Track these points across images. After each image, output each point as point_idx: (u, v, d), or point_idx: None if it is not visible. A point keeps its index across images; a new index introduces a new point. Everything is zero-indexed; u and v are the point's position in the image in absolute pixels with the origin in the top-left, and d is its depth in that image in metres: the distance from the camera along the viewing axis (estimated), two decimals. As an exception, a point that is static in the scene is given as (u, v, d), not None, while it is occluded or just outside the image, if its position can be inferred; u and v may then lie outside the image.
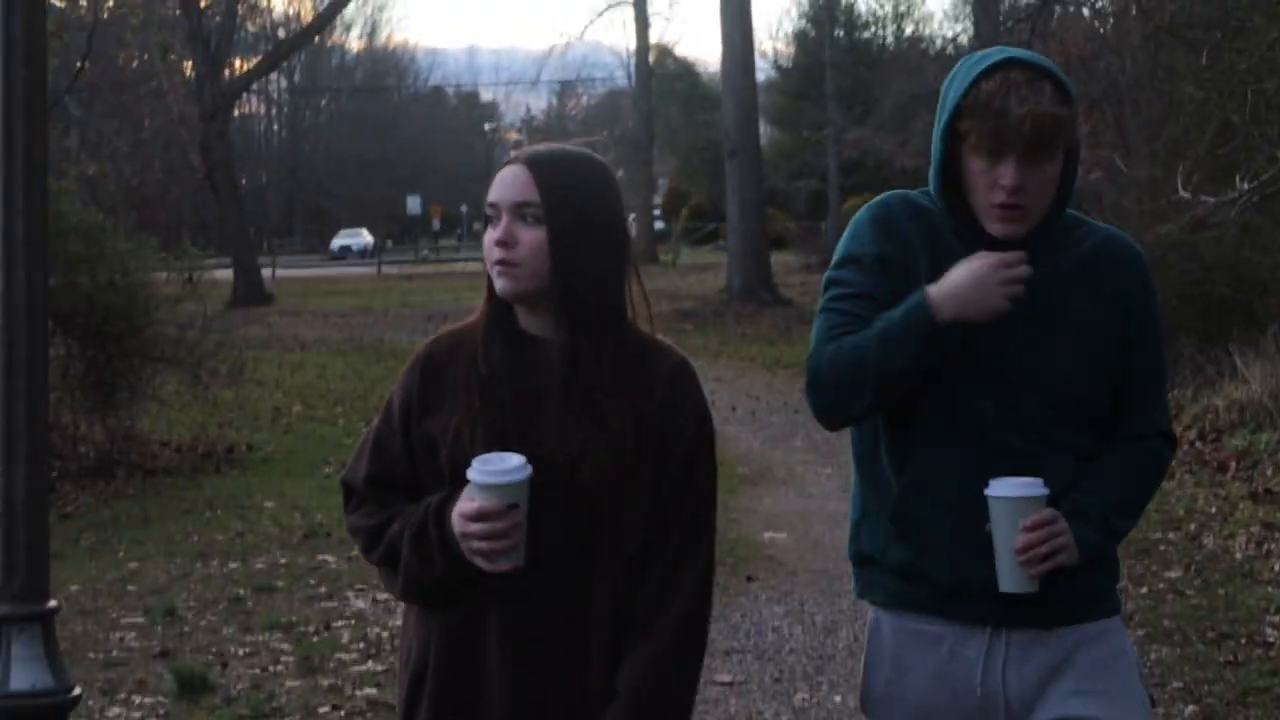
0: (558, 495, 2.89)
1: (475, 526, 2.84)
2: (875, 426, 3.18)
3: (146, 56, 32.42)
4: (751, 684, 7.16)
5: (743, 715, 6.71)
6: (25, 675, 5.12)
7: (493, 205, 3.02)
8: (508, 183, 3.00)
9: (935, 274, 3.07)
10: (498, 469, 2.83)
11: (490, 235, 3.01)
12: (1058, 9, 24.15)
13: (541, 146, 3.09)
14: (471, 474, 2.84)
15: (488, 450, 2.89)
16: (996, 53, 3.10)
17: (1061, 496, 3.06)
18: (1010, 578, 2.99)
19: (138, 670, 7.62)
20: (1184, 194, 10.48)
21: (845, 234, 3.25)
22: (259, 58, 50.47)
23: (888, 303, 3.08)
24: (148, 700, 7.11)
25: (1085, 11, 24.58)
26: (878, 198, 3.26)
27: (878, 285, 3.12)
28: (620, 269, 3.04)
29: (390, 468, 3.07)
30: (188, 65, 36.50)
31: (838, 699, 6.89)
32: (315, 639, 8.15)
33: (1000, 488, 2.99)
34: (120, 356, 14.94)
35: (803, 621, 8.24)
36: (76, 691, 5.49)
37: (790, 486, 12.67)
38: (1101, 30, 22.16)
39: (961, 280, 3.02)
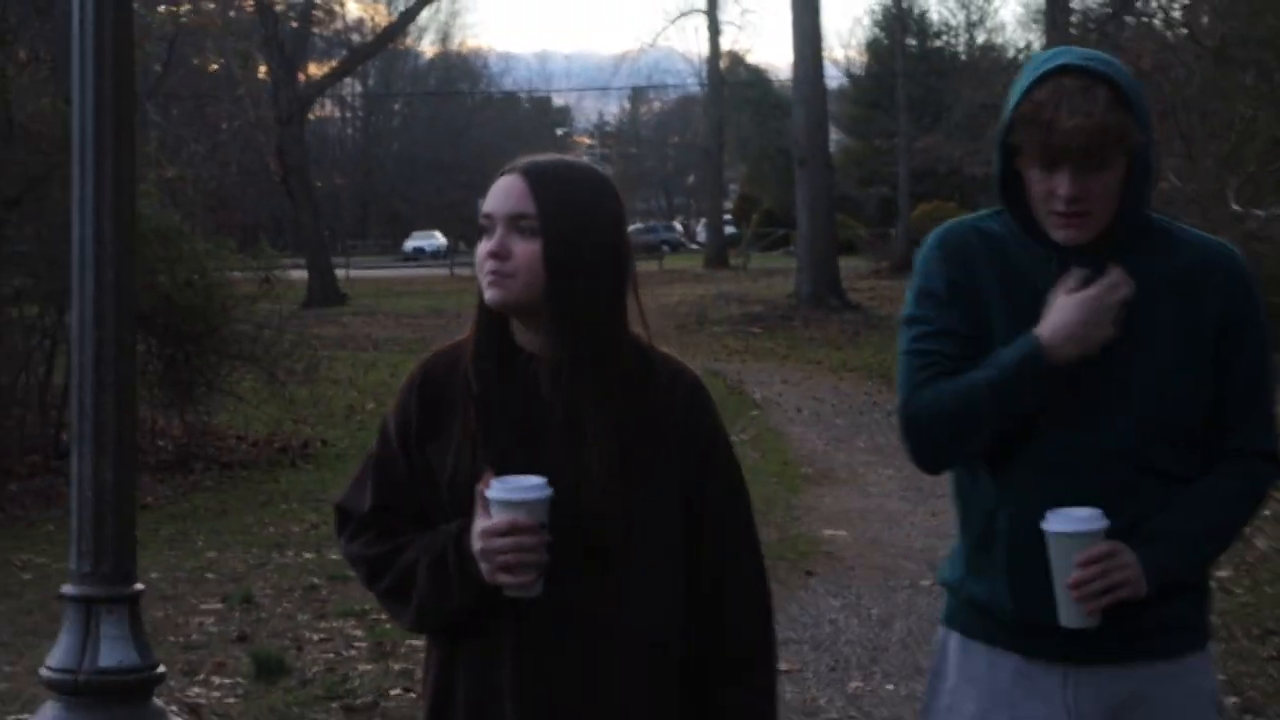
0: (564, 518, 2.78)
1: (502, 541, 2.74)
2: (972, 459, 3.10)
3: (222, 62, 32.99)
4: (807, 672, 7.40)
5: (798, 701, 6.94)
6: (113, 653, 5.43)
7: (487, 216, 2.91)
8: (503, 193, 2.90)
9: (1006, 299, 3.01)
10: (522, 485, 2.75)
11: (483, 246, 2.89)
12: (1130, 19, 24.19)
13: (541, 157, 2.98)
14: (493, 493, 2.74)
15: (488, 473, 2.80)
16: (1054, 56, 2.97)
17: (1146, 523, 2.95)
18: (1067, 613, 2.90)
19: (216, 653, 7.92)
20: (1235, 207, 10.62)
21: (915, 268, 3.17)
22: (333, 63, 51.03)
23: (969, 334, 3.02)
24: (226, 681, 7.41)
25: (1157, 22, 24.57)
26: (941, 226, 3.20)
27: (957, 318, 3.04)
28: (619, 284, 2.91)
29: (394, 495, 2.96)
30: (262, 70, 36.97)
31: (890, 687, 7.12)
32: (387, 626, 8.41)
33: (1054, 522, 2.89)
34: (198, 354, 15.31)
35: (859, 614, 8.47)
36: (161, 669, 5.79)
37: (852, 486, 12.88)
38: (1172, 39, 22.20)
39: (1072, 317, 2.92)
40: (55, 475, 13.69)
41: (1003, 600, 3.01)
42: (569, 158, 3.01)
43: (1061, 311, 2.93)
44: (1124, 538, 2.92)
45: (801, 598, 8.85)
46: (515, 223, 2.86)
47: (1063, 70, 2.91)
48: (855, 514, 11.48)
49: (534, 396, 2.87)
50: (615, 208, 2.94)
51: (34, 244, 13.38)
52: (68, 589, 5.58)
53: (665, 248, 62.05)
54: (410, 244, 70.84)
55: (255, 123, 34.25)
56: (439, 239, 70.15)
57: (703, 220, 58.93)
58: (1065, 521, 2.88)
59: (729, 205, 65.11)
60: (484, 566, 2.76)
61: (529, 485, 2.74)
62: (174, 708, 6.51)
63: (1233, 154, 13.49)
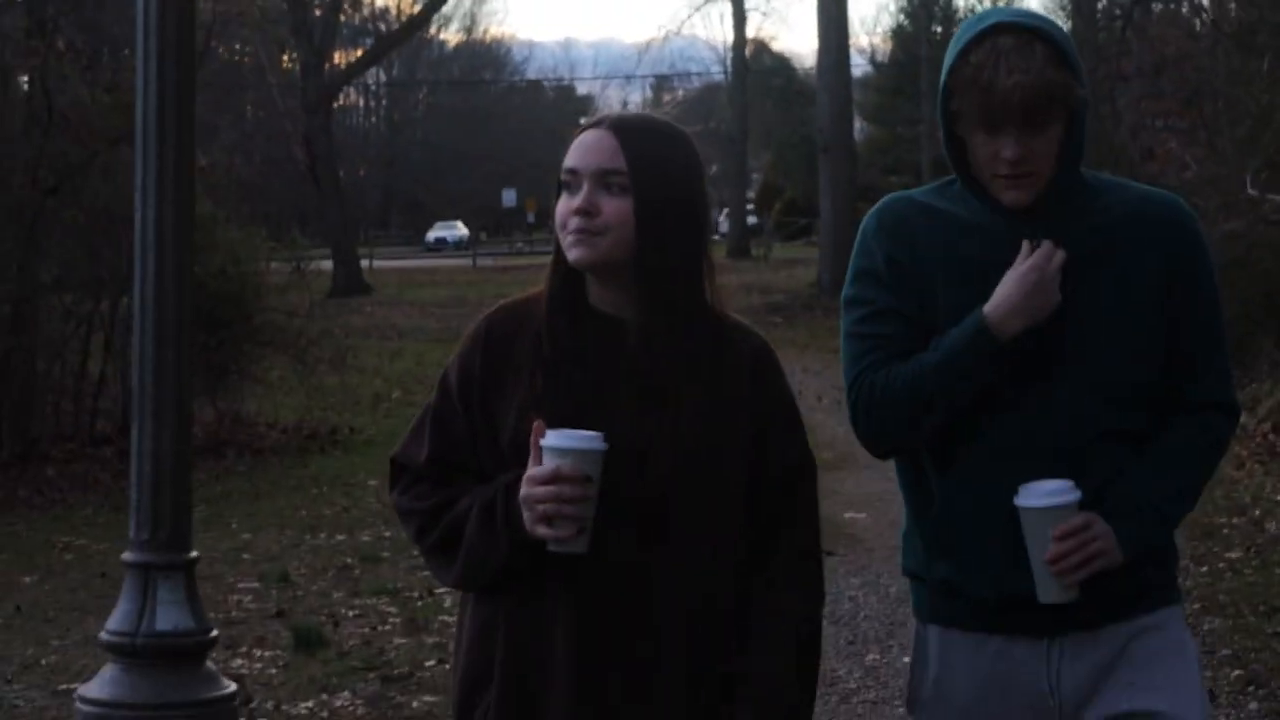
0: (626, 485, 2.70)
1: (543, 490, 2.66)
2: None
3: (251, 51, 33.24)
4: (827, 646, 7.61)
5: (821, 669, 7.20)
6: (169, 617, 5.70)
7: (571, 172, 2.80)
8: (591, 148, 2.80)
9: (948, 270, 2.96)
10: (575, 434, 2.67)
11: (567, 203, 2.79)
12: (1156, 6, 24.18)
13: (627, 113, 2.88)
14: (546, 440, 2.67)
15: None
16: (985, 16, 2.89)
17: (1110, 488, 2.91)
18: (1047, 588, 2.86)
19: (256, 628, 8.20)
20: (1251, 192, 10.84)
21: (855, 247, 3.08)
22: (358, 51, 51.26)
23: (911, 313, 2.96)
24: (267, 654, 7.69)
25: (1184, 9, 24.49)
26: (879, 203, 3.12)
27: (898, 297, 2.97)
28: (701, 244, 2.83)
29: (452, 449, 2.86)
30: (285, 59, 37.20)
31: (906, 660, 7.29)
32: (419, 603, 8.71)
33: (1028, 497, 2.84)
34: (231, 342, 15.61)
35: (877, 592, 8.74)
36: (214, 633, 6.06)
37: (872, 470, 13.09)
38: (1199, 26, 22.20)
39: (1014, 292, 2.87)
40: (90, 461, 14.01)
41: (977, 583, 2.95)
42: (651, 113, 2.95)
43: (1004, 287, 2.88)
44: (1093, 505, 2.88)
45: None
46: (604, 179, 2.77)
47: (996, 29, 2.83)
48: (875, 497, 11.74)
49: (608, 358, 2.78)
50: (698, 165, 2.87)
51: (72, 232, 13.65)
52: (127, 556, 5.84)
53: (688, 237, 62.25)
54: (433, 234, 70.87)
55: (284, 112, 34.52)
56: (461, 229, 70.28)
57: (725, 210, 59.14)
58: (1038, 496, 2.83)
59: (752, 194, 65.25)
60: (525, 516, 2.68)
61: (582, 435, 2.67)
62: (220, 677, 6.75)
63: (1251, 139, 13.68)
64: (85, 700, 5.81)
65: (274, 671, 7.39)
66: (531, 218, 74.01)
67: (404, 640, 7.90)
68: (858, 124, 45.53)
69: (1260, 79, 13.03)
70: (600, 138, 2.80)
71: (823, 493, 9.88)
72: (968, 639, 3.01)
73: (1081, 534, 2.84)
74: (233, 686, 6.02)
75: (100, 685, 5.82)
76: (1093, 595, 2.89)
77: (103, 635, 5.91)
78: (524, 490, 2.69)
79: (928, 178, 47.66)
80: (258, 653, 7.70)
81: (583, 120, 3.04)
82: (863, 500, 11.68)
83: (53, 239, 13.58)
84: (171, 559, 5.76)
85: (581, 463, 2.66)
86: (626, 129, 2.81)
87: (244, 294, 15.61)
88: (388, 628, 8.20)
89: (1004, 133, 2.84)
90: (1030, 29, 2.84)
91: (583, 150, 2.81)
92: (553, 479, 2.65)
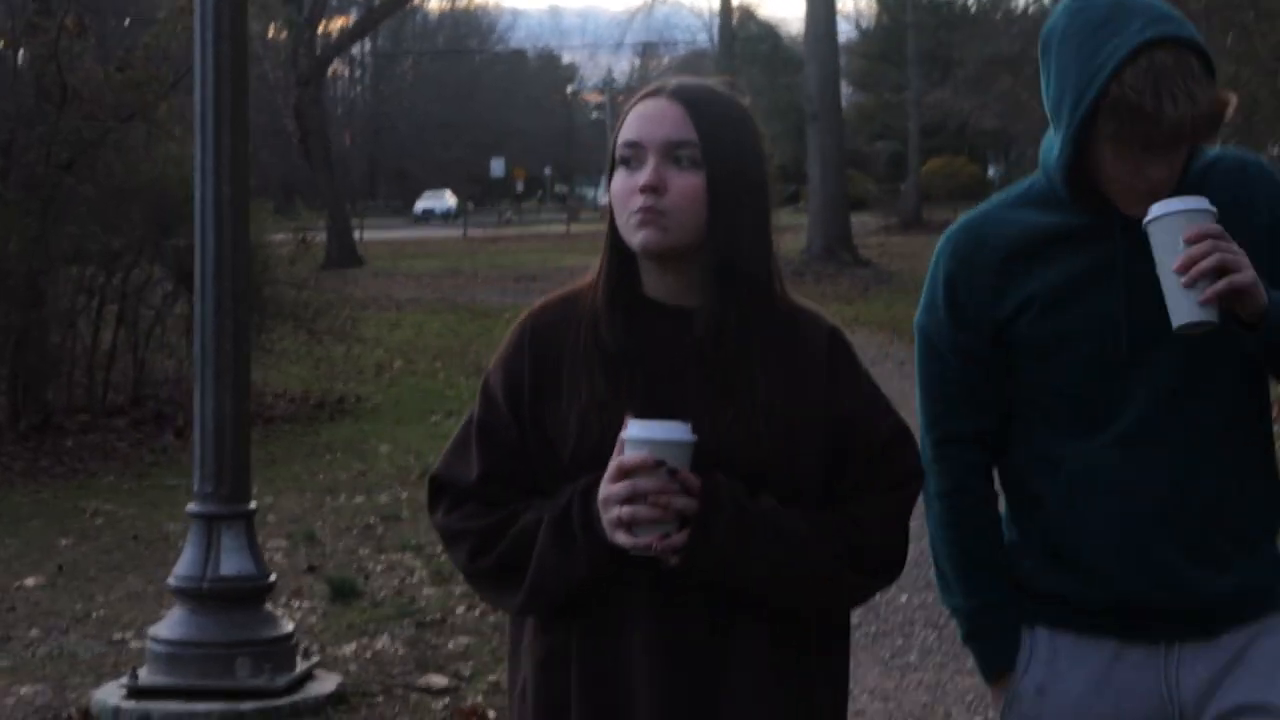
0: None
1: (619, 486, 2.40)
2: (1021, 439, 2.85)
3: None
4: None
5: (823, 612, 7.71)
6: (232, 563, 6.24)
7: (633, 145, 2.54)
8: (656, 118, 2.54)
9: (1023, 301, 2.77)
10: (663, 425, 2.42)
11: (627, 179, 2.54)
12: None
13: (688, 79, 2.62)
14: (629, 432, 2.43)
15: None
16: (1124, 26, 2.60)
17: (1251, 469, 2.81)
18: (1181, 306, 2.59)
19: (291, 582, 8.65)
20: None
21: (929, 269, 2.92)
22: (344, 20, 51.44)
23: (982, 352, 2.81)
24: (306, 604, 8.15)
25: None
26: (951, 227, 2.91)
27: (967, 340, 2.83)
28: (769, 224, 2.62)
29: (504, 463, 2.58)
30: (272, 30, 37.39)
31: (904, 598, 7.90)
32: (443, 558, 9.15)
33: (1154, 210, 2.60)
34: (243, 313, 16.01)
35: (877, 539, 9.22)
36: (272, 578, 6.60)
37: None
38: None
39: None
40: (106, 431, 14.41)
41: (1101, 593, 2.78)
42: (712, 81, 2.66)
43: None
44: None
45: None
46: (672, 152, 2.52)
47: (1151, 45, 2.57)
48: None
49: (675, 353, 2.55)
50: (763, 141, 2.63)
51: (87, 206, 14.04)
52: (192, 507, 6.37)
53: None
54: (420, 205, 70.99)
55: (274, 84, 34.81)
56: (449, 199, 70.46)
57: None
58: (1166, 205, 2.60)
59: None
60: (604, 519, 2.43)
61: (668, 425, 2.42)
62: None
63: None
64: (157, 640, 6.34)
65: (314, 619, 7.85)
66: (520, 187, 74.41)
67: (433, 590, 8.37)
68: (844, 90, 45.86)
69: (1226, 54, 13.46)
70: (664, 107, 2.55)
71: None
72: (1080, 642, 2.84)
73: (1214, 239, 2.59)
74: (290, 626, 6.55)
75: (170, 626, 6.36)
76: (1210, 604, 2.77)
77: (170, 581, 6.46)
78: (602, 490, 2.44)
79: (915, 145, 48.17)
80: (296, 603, 8.14)
81: (636, 92, 2.62)
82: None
83: (67, 213, 13.94)
84: (234, 510, 6.31)
85: (668, 456, 2.41)
86: (693, 98, 2.56)
87: (254, 266, 15.97)
88: (415, 580, 8.66)
89: (1159, 157, 2.63)
90: (1184, 41, 2.59)
91: (646, 120, 2.55)
92: (622, 474, 2.41)
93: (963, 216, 2.92)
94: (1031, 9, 42.38)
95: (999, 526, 2.90)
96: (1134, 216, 2.67)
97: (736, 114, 2.60)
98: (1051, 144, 2.73)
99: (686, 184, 2.52)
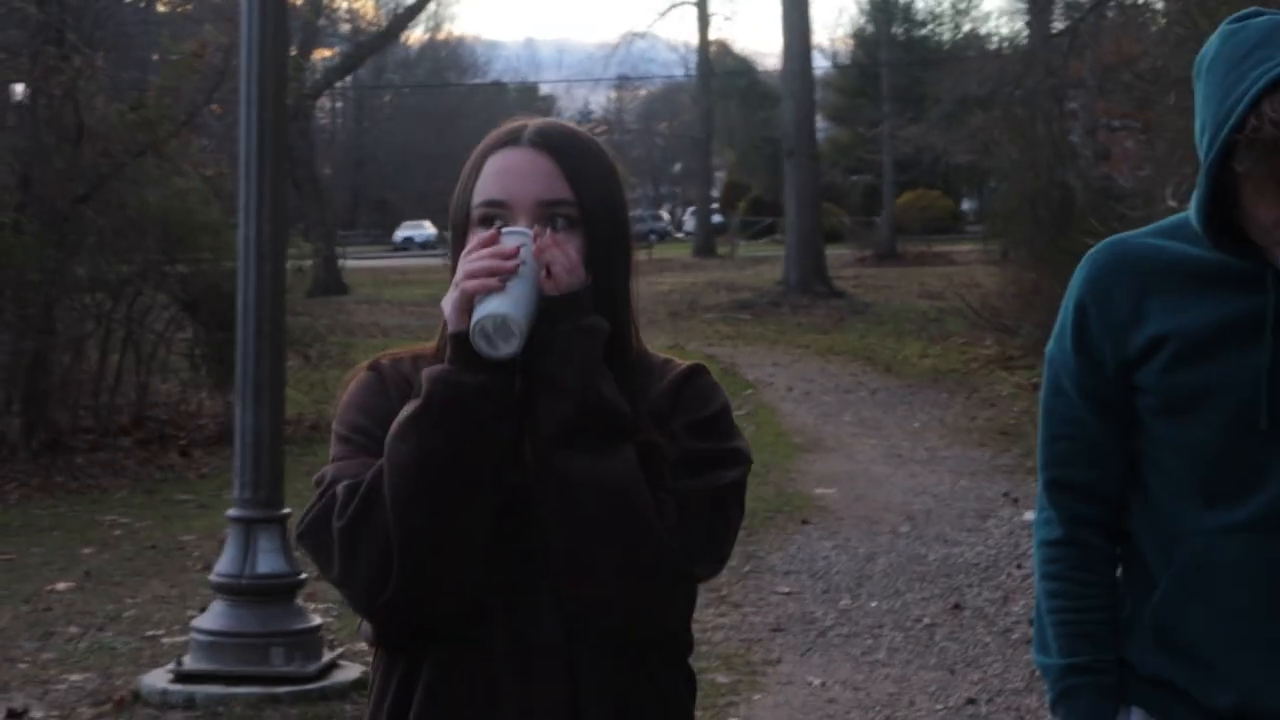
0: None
1: (477, 254, 2.17)
2: (1140, 500, 2.57)
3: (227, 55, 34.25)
4: (805, 594, 8.90)
5: (799, 613, 8.46)
6: (268, 562, 7.00)
7: (498, 205, 2.26)
8: (525, 174, 2.26)
9: (1155, 340, 2.48)
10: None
11: (484, 245, 2.19)
12: (1111, 9, 24.93)
13: (545, 124, 2.34)
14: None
15: None
16: (1275, 52, 2.32)
17: None
18: None
19: (310, 585, 9.33)
20: (1171, 204, 11.86)
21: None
22: (328, 52, 52.12)
23: (1105, 397, 2.54)
24: (321, 606, 8.85)
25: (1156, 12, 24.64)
26: (1094, 248, 2.60)
27: (1091, 377, 2.55)
28: (632, 281, 2.39)
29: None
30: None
31: (874, 604, 8.63)
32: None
33: None
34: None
35: (847, 551, 9.97)
36: (304, 575, 7.31)
37: (840, 453, 14.36)
38: (1154, 28, 22.54)
39: None
40: (114, 450, 15.11)
41: (1216, 689, 2.46)
42: (568, 123, 2.41)
43: None
44: None
45: (798, 540, 10.36)
46: (546, 212, 2.25)
47: None
48: (843, 475, 12.96)
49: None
50: (622, 180, 2.40)
51: (101, 237, 14.77)
52: (232, 512, 7.13)
53: (653, 237, 63.49)
54: (400, 234, 71.85)
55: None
56: (428, 229, 71.24)
57: (690, 209, 60.28)
58: None
59: (716, 193, 66.40)
60: (454, 297, 2.18)
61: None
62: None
63: (1169, 153, 14.55)
64: (199, 630, 7.09)
65: (330, 619, 8.55)
66: (499, 217, 74.84)
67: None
68: (820, 124, 46.68)
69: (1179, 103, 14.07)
70: (531, 159, 2.28)
71: (796, 472, 11.49)
72: None
73: None
74: (319, 620, 7.26)
75: (211, 618, 7.10)
76: None
77: (212, 577, 7.22)
78: (459, 270, 2.21)
79: (889, 178, 48.96)
80: (311, 605, 8.84)
81: (492, 137, 2.35)
82: (831, 478, 12.90)
83: (82, 245, 14.66)
84: (269, 514, 7.07)
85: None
86: (560, 145, 2.30)
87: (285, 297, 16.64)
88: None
89: None
90: None
91: (512, 176, 2.27)
92: (482, 244, 2.20)
93: (1108, 238, 2.63)
94: (1005, 48, 43.24)
95: (1111, 591, 2.58)
96: None
97: (604, 160, 2.34)
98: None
99: None
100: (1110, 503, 2.57)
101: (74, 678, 7.51)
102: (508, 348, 2.15)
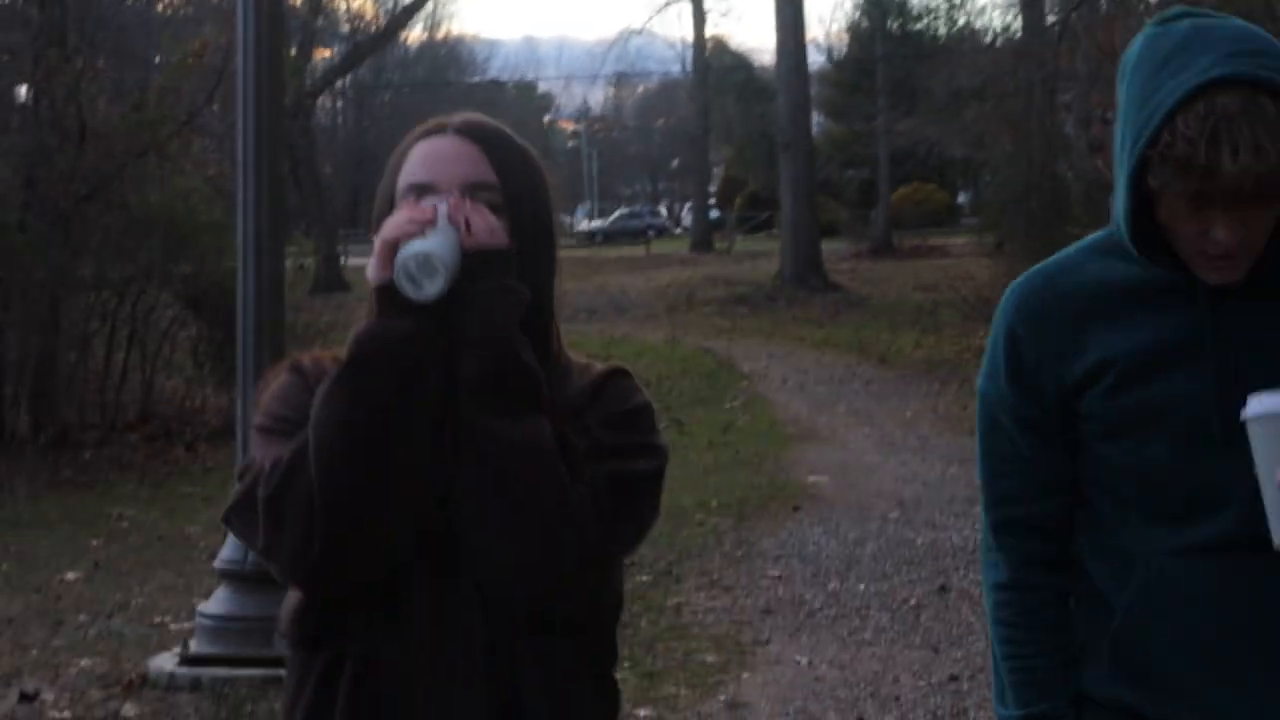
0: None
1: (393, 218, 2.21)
2: (1090, 526, 2.48)
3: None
4: (795, 577, 9.14)
5: (788, 596, 8.70)
6: None
7: (423, 188, 2.28)
8: (450, 158, 2.29)
9: (1096, 366, 2.38)
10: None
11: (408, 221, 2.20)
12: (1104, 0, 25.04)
13: (471, 116, 2.38)
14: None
15: None
16: (1188, 54, 2.23)
17: None
18: None
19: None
20: None
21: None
22: (327, 51, 52.35)
23: (1047, 430, 2.44)
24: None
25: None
26: (1018, 279, 2.53)
27: (1031, 410, 2.45)
28: (556, 281, 2.39)
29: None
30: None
31: (861, 587, 8.87)
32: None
33: (1256, 405, 2.25)
34: (244, 336, 16.96)
35: (837, 536, 10.22)
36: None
37: (832, 443, 14.60)
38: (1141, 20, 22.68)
39: None
40: (119, 445, 15.38)
41: (1175, 707, 2.38)
42: (498, 121, 2.41)
43: None
44: None
45: (790, 526, 10.61)
46: (471, 195, 2.27)
47: (1214, 86, 2.18)
48: (835, 464, 13.20)
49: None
50: (551, 187, 2.42)
51: (105, 235, 15.03)
52: (237, 500, 7.33)
53: (651, 233, 63.75)
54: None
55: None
56: (427, 226, 71.42)
57: (688, 204, 60.49)
58: (1273, 402, 2.24)
59: (713, 189, 66.56)
60: (375, 251, 2.20)
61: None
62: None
63: None
64: (205, 615, 7.33)
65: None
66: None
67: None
68: (816, 119, 46.85)
69: None
70: (457, 145, 2.31)
71: (789, 461, 11.79)
72: None
73: None
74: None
75: (216, 603, 7.34)
76: None
77: (216, 564, 7.45)
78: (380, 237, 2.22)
79: (885, 172, 49.15)
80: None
81: (418, 129, 2.39)
82: (823, 466, 13.14)
83: (86, 243, 14.91)
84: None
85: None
86: (486, 136, 2.34)
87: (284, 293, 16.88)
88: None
89: (1220, 215, 2.24)
90: (1256, 81, 2.18)
91: (437, 160, 2.30)
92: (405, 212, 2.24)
93: (1035, 266, 2.53)
94: (999, 41, 43.37)
95: (1065, 631, 2.49)
96: (1210, 283, 2.32)
97: (531, 159, 2.38)
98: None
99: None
100: (1060, 537, 2.49)
101: (84, 663, 7.75)
102: (432, 286, 2.15)
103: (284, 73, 6.60)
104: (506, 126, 2.40)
